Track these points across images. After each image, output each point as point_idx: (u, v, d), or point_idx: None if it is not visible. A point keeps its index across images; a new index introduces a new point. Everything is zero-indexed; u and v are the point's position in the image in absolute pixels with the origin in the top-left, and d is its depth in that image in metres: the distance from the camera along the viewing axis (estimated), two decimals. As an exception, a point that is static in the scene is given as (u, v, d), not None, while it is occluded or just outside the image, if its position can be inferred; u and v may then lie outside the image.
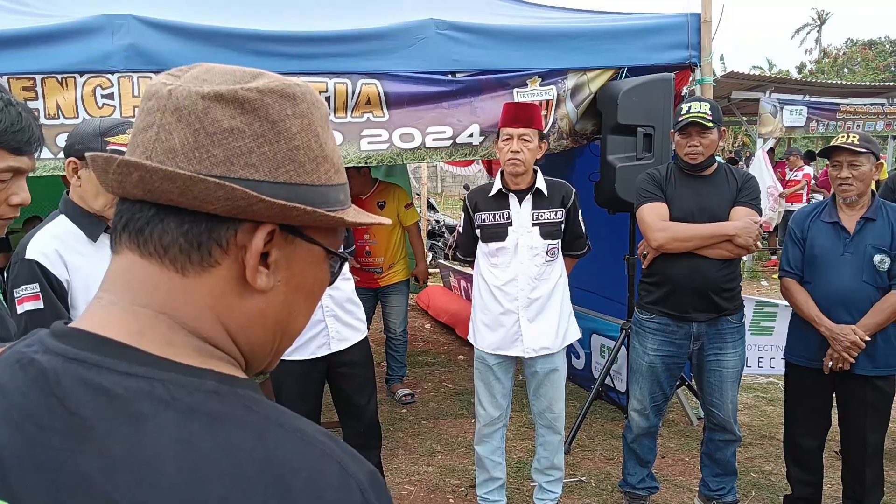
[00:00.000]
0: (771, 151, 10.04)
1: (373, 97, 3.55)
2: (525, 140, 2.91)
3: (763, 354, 4.36)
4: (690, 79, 3.96)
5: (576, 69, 3.80)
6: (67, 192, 2.06)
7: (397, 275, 4.79)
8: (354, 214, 0.73)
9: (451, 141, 3.68)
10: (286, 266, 0.68)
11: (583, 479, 3.66)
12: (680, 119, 2.95)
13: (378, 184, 4.83)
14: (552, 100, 3.78)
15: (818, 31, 53.19)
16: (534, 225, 3.00)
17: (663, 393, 3.14)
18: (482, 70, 3.73)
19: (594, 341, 4.79)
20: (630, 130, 3.72)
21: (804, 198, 9.72)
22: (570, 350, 5.13)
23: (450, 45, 3.61)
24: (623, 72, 3.87)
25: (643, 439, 3.21)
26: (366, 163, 3.68)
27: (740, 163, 14.85)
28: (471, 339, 3.21)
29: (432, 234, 10.67)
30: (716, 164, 3.04)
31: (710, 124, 2.90)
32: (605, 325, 4.69)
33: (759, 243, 2.94)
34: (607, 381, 4.37)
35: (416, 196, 10.51)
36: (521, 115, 2.94)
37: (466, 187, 13.56)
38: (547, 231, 3.02)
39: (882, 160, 3.01)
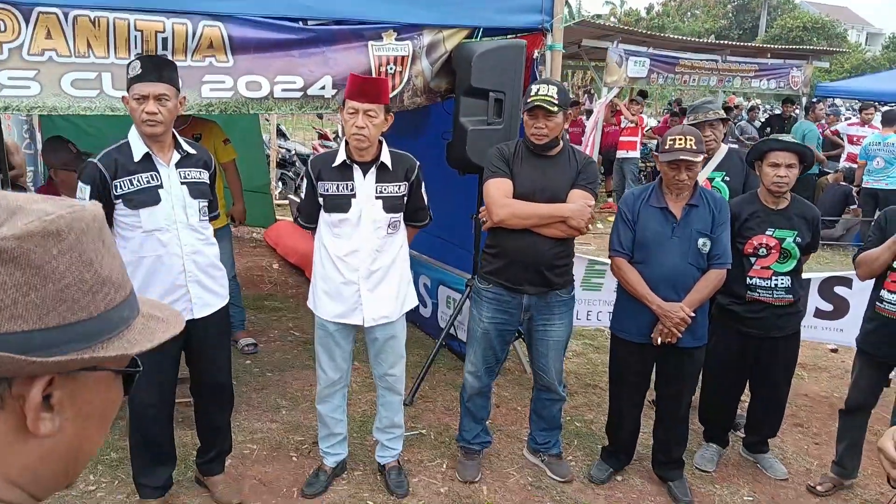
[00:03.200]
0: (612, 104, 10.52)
1: (216, 41, 3.31)
2: (370, 115, 2.86)
3: (592, 308, 4.69)
4: (542, 44, 4.02)
5: (431, 26, 3.74)
6: None
7: (216, 220, 4.58)
8: (143, 330, 0.70)
9: (302, 92, 3.53)
10: (71, 403, 0.65)
11: (423, 431, 3.83)
12: (528, 101, 3.01)
13: (191, 119, 4.46)
14: (407, 56, 3.71)
15: (667, -27, 55.41)
16: (377, 198, 2.99)
17: (496, 356, 3.33)
18: (336, 20, 3.58)
19: (441, 292, 4.92)
20: (482, 94, 3.75)
21: (637, 145, 10.32)
22: (419, 299, 5.24)
23: (301, -9, 3.41)
24: (479, 32, 3.86)
25: (476, 398, 3.39)
26: (207, 111, 3.45)
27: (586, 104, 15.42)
28: (310, 305, 3.20)
29: (283, 164, 10.32)
30: (561, 145, 3.15)
31: (555, 108, 2.98)
32: (452, 278, 4.82)
33: (590, 225, 3.11)
34: (451, 330, 4.54)
35: (267, 121, 10.07)
36: (369, 90, 2.86)
37: (320, 116, 13.11)
38: (390, 205, 3.02)
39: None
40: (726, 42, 12.68)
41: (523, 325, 3.29)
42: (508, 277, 3.15)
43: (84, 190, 2.76)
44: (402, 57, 3.69)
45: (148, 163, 2.77)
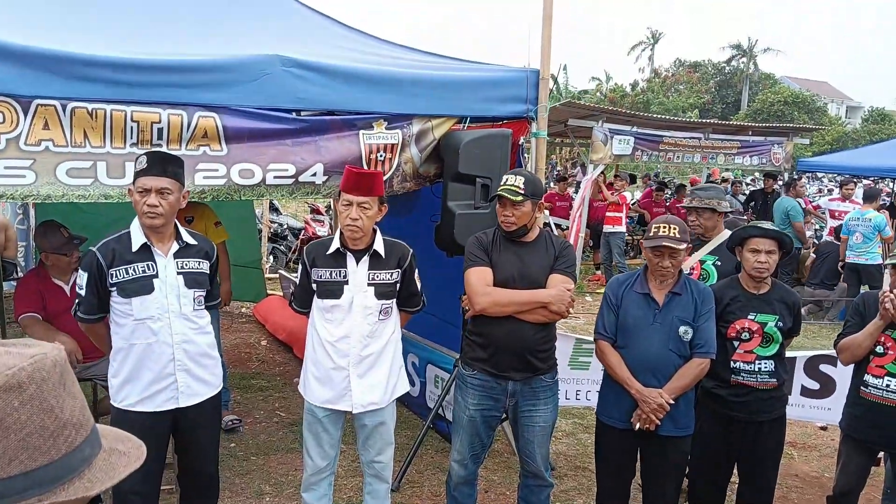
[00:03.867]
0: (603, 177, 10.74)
1: (210, 130, 3.40)
2: (364, 207, 2.96)
3: (580, 388, 4.68)
4: (527, 131, 4.16)
5: (421, 115, 3.87)
6: None
7: None
8: (105, 467, 0.71)
9: (294, 179, 3.61)
10: None
11: (410, 518, 3.76)
12: (497, 190, 3.12)
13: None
14: (397, 144, 3.82)
15: (651, 49, 57.51)
16: (369, 285, 3.04)
17: (482, 443, 3.31)
18: (328, 110, 3.71)
19: (429, 371, 4.92)
20: (470, 179, 3.85)
21: (622, 220, 10.49)
22: (407, 377, 5.23)
23: (295, 83, 3.53)
24: (466, 120, 4.00)
25: (462, 487, 3.36)
26: (199, 198, 3.53)
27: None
28: (301, 389, 3.21)
29: (275, 238, 10.42)
30: (538, 232, 3.23)
31: (520, 198, 3.07)
32: (441, 357, 4.83)
33: (570, 309, 3.16)
34: (440, 411, 4.51)
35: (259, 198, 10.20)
36: (363, 185, 2.97)
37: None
38: (381, 291, 3.07)
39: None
40: (708, 121, 13.08)
41: (508, 412, 3.29)
42: (493, 364, 3.18)
43: (82, 277, 2.85)
44: (392, 145, 3.80)
45: (145, 253, 2.84)
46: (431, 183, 4.15)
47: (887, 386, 3.21)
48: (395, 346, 3.21)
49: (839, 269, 9.03)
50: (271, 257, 9.91)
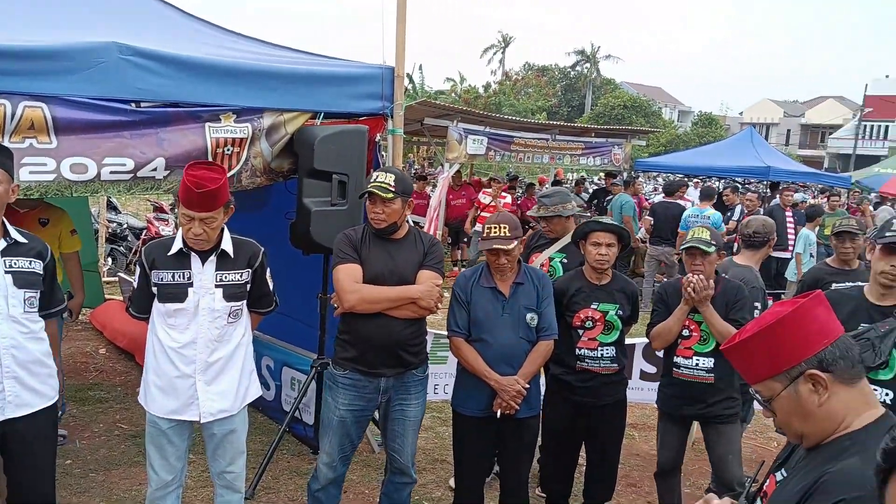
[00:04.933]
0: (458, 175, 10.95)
1: (38, 121, 3.12)
2: (207, 221, 2.79)
3: (438, 381, 4.76)
4: (384, 128, 4.16)
5: (272, 109, 3.76)
6: None
7: None
8: None
9: (132, 174, 3.39)
10: None
11: (266, 526, 3.65)
12: (367, 187, 3.10)
13: (40, 203, 4.32)
14: (246, 138, 3.68)
15: (503, 53, 59.46)
16: (217, 286, 2.91)
17: (352, 443, 3.30)
18: (172, 102, 3.50)
19: (285, 374, 4.80)
20: (326, 176, 3.80)
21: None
22: (261, 381, 5.07)
23: (135, 73, 3.32)
24: (320, 116, 3.93)
25: (330, 488, 3.32)
26: (25, 195, 3.22)
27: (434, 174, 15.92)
28: (141, 401, 3.02)
29: (113, 238, 9.72)
30: (407, 229, 3.25)
31: (390, 195, 3.08)
32: (297, 358, 4.72)
33: (439, 304, 3.21)
34: (296, 414, 4.41)
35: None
36: (205, 203, 2.75)
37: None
38: (230, 293, 2.94)
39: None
40: (555, 123, 13.74)
41: (380, 408, 3.29)
42: (364, 362, 3.16)
43: None
44: (241, 139, 3.66)
45: None
46: (285, 179, 4.04)
47: (696, 365, 3.53)
48: (246, 349, 3.09)
49: (676, 261, 9.80)
50: (109, 259, 9.24)
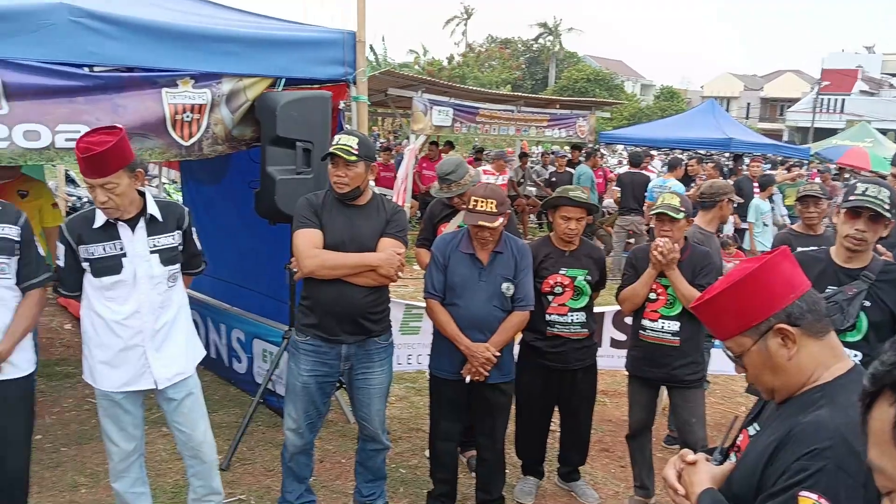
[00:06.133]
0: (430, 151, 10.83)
1: (-13, 86, 2.99)
2: (108, 187, 2.67)
3: (412, 352, 4.75)
4: (347, 95, 4.07)
5: (231, 74, 3.64)
6: None
7: None
8: None
9: (88, 142, 3.26)
10: None
11: (242, 497, 3.61)
12: (330, 149, 3.04)
13: (20, 174, 4.28)
14: (206, 104, 3.57)
15: (465, 25, 58.97)
16: (152, 252, 2.83)
17: (317, 410, 3.25)
18: (127, 67, 3.38)
19: (256, 346, 4.73)
20: (289, 143, 3.70)
21: None
22: (232, 354, 5.01)
23: (86, 36, 3.19)
24: (281, 82, 3.83)
25: (299, 457, 3.28)
26: (-24, 163, 3.10)
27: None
28: (87, 378, 2.94)
29: (72, 212, 9.44)
30: (370, 195, 3.19)
31: (353, 158, 3.01)
32: (268, 330, 4.65)
33: (400, 272, 3.16)
34: (269, 385, 4.36)
35: (52, 167, 9.20)
36: (95, 166, 2.63)
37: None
38: (167, 257, 2.88)
39: None
40: (520, 94, 13.70)
41: (344, 376, 3.25)
42: (324, 328, 3.11)
43: None
44: (200, 105, 3.55)
45: None
46: (248, 147, 3.94)
47: (662, 328, 3.56)
48: (186, 311, 3.04)
49: (645, 232, 9.87)
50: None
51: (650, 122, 22.69)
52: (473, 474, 3.76)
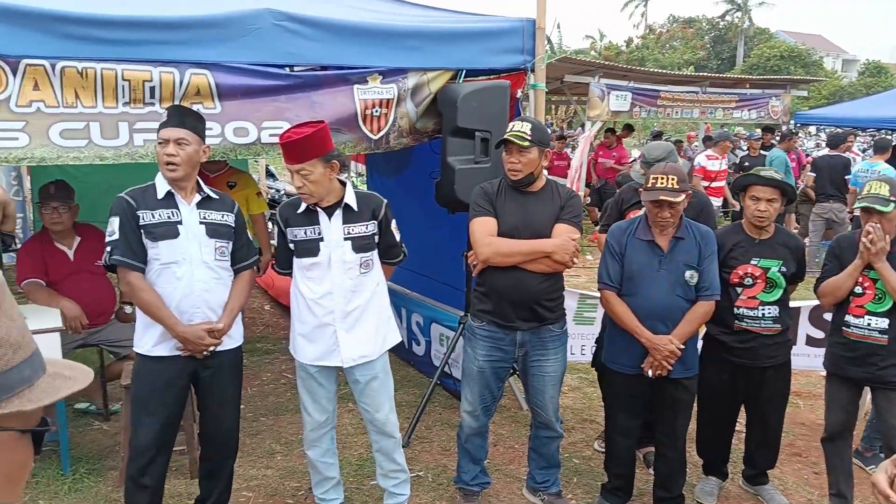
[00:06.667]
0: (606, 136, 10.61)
1: (203, 88, 3.34)
2: (304, 174, 2.88)
3: (585, 343, 4.68)
4: (525, 83, 4.09)
5: (416, 69, 3.79)
6: None
7: None
8: (47, 388, 0.71)
9: (289, 137, 3.55)
10: None
11: (420, 473, 3.78)
12: (504, 136, 3.07)
13: (228, 167, 4.76)
14: (392, 98, 3.75)
15: (645, 6, 56.71)
16: (346, 239, 3.01)
17: (492, 395, 3.31)
18: (321, 65, 3.63)
19: (434, 330, 4.91)
20: (469, 134, 3.79)
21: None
22: (411, 337, 5.24)
23: (287, 38, 3.45)
24: (461, 74, 3.92)
25: (474, 439, 3.36)
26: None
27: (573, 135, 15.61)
28: (291, 350, 3.20)
29: (272, 204, 10.32)
30: (544, 181, 3.19)
31: (527, 143, 3.02)
32: (445, 315, 4.81)
33: (575, 259, 3.13)
34: (446, 368, 4.51)
35: (255, 161, 10.11)
36: (291, 153, 2.87)
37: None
38: (359, 245, 3.03)
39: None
40: (706, 74, 12.94)
41: (518, 362, 3.28)
42: (499, 315, 3.16)
43: (113, 222, 2.85)
44: (388, 100, 3.73)
45: (170, 200, 2.87)
46: (429, 139, 4.09)
47: (868, 324, 3.22)
48: (381, 298, 3.18)
49: (849, 220, 8.98)
50: (269, 223, 9.85)
51: (852, 100, 20.53)
52: (651, 470, 3.66)
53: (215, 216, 2.94)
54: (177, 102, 3.27)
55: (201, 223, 2.90)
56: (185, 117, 2.86)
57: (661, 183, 3.04)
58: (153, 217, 2.84)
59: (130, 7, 3.30)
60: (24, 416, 0.67)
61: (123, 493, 2.99)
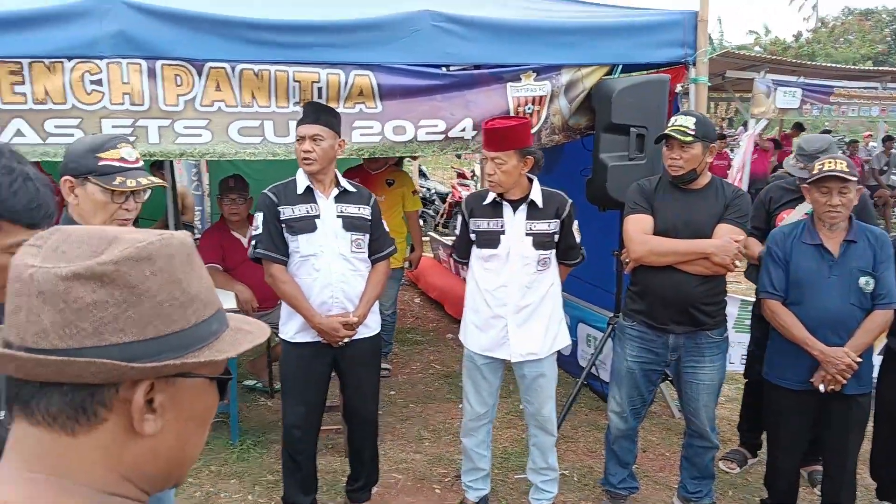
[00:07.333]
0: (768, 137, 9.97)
1: (365, 88, 3.51)
2: (498, 163, 2.92)
3: (745, 352, 4.41)
4: (685, 77, 3.93)
5: (570, 65, 3.76)
6: (66, 209, 2.08)
7: (393, 261, 4.83)
8: (231, 341, 0.77)
9: (444, 135, 3.64)
10: (172, 405, 0.73)
11: (565, 472, 3.74)
12: (665, 131, 2.96)
13: (389, 166, 4.94)
14: (546, 95, 3.74)
15: (817, -2, 52.41)
16: (527, 235, 3.02)
17: (641, 397, 3.21)
18: (475, 64, 3.69)
19: (581, 330, 4.84)
20: (623, 130, 3.70)
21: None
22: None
23: (444, 38, 3.55)
24: (618, 68, 3.84)
25: (622, 441, 3.29)
26: (357, 154, 3.67)
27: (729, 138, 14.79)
28: (461, 337, 3.27)
29: (423, 203, 10.64)
30: (708, 178, 3.05)
31: (689, 139, 2.89)
32: (593, 315, 4.74)
33: (738, 262, 2.95)
34: (592, 370, 4.44)
35: (408, 161, 10.45)
36: (492, 140, 2.95)
37: (459, 156, 13.44)
38: (540, 241, 3.03)
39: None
40: (887, 69, 11.79)
41: (671, 367, 3.16)
42: (652, 316, 3.07)
43: (258, 217, 3.06)
44: (541, 97, 3.73)
45: (309, 195, 3.02)
46: (582, 136, 4.04)
47: None
48: (555, 298, 3.16)
49: None
50: (420, 221, 10.15)
51: None
52: (816, 490, 3.39)
53: (352, 209, 3.06)
54: (341, 102, 3.47)
55: (338, 216, 3.02)
56: (319, 114, 2.99)
57: (830, 166, 2.80)
58: (293, 212, 2.99)
59: (299, 12, 3.54)
60: (213, 365, 0.75)
61: (282, 466, 3.21)
